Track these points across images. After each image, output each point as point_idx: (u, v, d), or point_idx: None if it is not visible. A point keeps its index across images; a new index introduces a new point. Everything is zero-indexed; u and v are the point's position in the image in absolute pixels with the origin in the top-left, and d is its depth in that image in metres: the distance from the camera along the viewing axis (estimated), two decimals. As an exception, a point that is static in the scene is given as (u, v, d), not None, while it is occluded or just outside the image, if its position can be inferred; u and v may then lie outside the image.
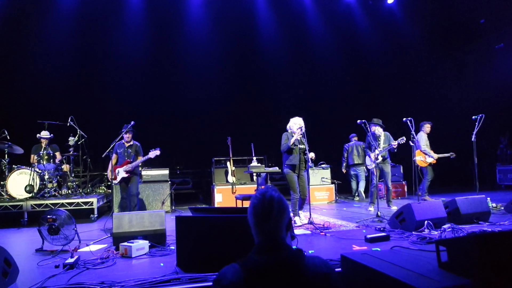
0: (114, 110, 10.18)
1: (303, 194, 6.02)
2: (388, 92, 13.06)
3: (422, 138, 8.51)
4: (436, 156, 8.39)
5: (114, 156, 6.63)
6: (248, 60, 12.23)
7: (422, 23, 12.42)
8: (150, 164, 7.38)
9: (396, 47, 12.78)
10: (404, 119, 6.69)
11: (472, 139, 7.17)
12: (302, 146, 5.90)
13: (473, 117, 7.13)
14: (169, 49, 11.42)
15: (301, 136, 5.98)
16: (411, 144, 6.64)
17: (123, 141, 6.63)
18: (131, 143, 6.68)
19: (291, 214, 5.71)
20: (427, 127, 8.60)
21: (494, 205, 6.83)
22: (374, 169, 7.30)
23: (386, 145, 7.30)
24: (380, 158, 7.18)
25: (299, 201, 6.01)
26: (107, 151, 5.97)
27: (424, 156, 8.46)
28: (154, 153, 6.61)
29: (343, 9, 12.15)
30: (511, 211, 6.25)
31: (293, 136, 6.01)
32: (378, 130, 7.39)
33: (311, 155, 5.95)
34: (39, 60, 10.14)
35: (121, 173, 6.53)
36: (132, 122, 6.41)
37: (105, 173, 9.68)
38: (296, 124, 6.04)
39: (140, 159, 6.58)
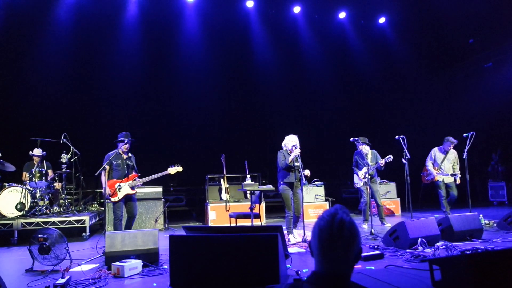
0: (107, 127, 10.15)
1: (297, 211, 6.02)
2: (381, 109, 13.23)
3: (430, 154, 8.15)
4: (435, 173, 7.95)
5: (106, 168, 5.80)
6: (242, 77, 12.36)
7: (413, 42, 12.67)
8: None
9: (387, 66, 13.00)
10: (397, 136, 6.76)
11: (464, 157, 7.26)
12: (297, 164, 5.92)
13: (464, 134, 7.23)
14: (163, 67, 11.50)
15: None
16: (404, 161, 6.69)
17: (118, 151, 5.90)
18: (129, 154, 6.08)
19: (285, 232, 5.69)
20: (448, 146, 7.85)
21: (486, 222, 6.86)
22: (363, 187, 7.34)
23: (374, 163, 7.37)
24: (369, 176, 7.23)
25: (293, 218, 6.00)
26: (101, 168, 5.60)
27: (428, 172, 8.20)
28: (175, 169, 5.98)
29: (335, 28, 12.37)
30: (503, 228, 6.28)
31: (289, 154, 6.04)
32: (365, 149, 7.47)
33: (307, 172, 5.95)
34: (32, 76, 10.14)
35: (126, 188, 5.84)
36: (120, 136, 5.99)
37: (98, 190, 9.57)
38: (291, 142, 6.08)
39: (154, 174, 5.91)
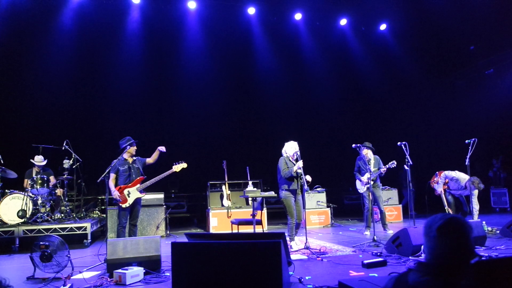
0: (109, 134, 10.15)
1: (299, 218, 5.99)
2: (383, 116, 13.24)
3: (453, 177, 7.67)
4: (439, 191, 7.81)
5: (113, 176, 5.75)
6: (243, 84, 12.39)
7: (414, 49, 12.70)
8: (145, 187, 7.13)
9: (389, 72, 13.02)
10: (399, 143, 6.75)
11: (466, 163, 7.23)
12: (299, 171, 5.90)
13: (466, 141, 7.21)
14: (165, 74, 11.54)
15: (296, 160, 5.99)
16: (406, 168, 6.67)
17: (123, 157, 5.88)
18: (134, 158, 5.99)
19: (287, 239, 5.67)
20: (474, 189, 7.18)
21: (489, 228, 6.82)
22: (366, 193, 7.32)
23: (376, 169, 7.36)
24: (371, 182, 7.21)
25: (295, 225, 5.98)
26: (103, 175, 5.46)
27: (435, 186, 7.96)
28: (180, 166, 5.93)
29: (337, 35, 12.42)
30: (506, 235, 6.25)
31: (290, 161, 6.04)
32: (369, 154, 7.46)
33: (308, 178, 5.93)
34: (34, 83, 10.18)
35: (135, 193, 5.78)
36: (123, 142, 5.92)
37: (100, 197, 9.56)
38: (292, 149, 6.07)
39: (160, 175, 5.83)
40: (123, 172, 5.83)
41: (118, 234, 5.77)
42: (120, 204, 5.69)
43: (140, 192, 5.85)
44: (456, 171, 7.70)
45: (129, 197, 5.76)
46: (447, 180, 7.72)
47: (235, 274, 3.34)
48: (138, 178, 5.88)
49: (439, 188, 7.73)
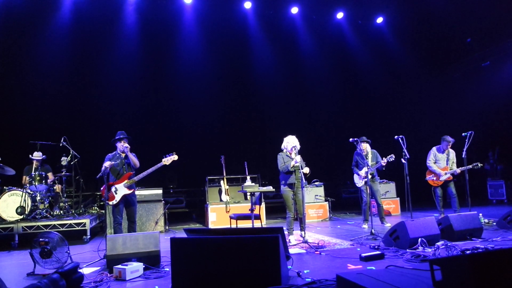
0: (107, 130, 10.11)
1: (300, 212, 5.99)
2: (380, 109, 13.27)
3: (430, 154, 7.80)
4: (443, 173, 7.59)
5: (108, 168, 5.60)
6: (241, 79, 12.37)
7: (411, 42, 12.71)
8: (143, 183, 7.11)
9: (385, 66, 13.03)
10: (396, 136, 6.77)
11: (463, 156, 7.27)
12: (297, 164, 5.91)
13: (463, 134, 7.23)
14: (161, 70, 11.52)
15: (295, 154, 5.99)
16: (403, 161, 6.70)
17: (117, 152, 5.79)
18: (128, 153, 5.80)
19: (286, 233, 5.70)
20: (446, 145, 7.63)
21: (486, 220, 6.88)
22: (364, 187, 7.36)
23: (374, 163, 7.39)
24: (369, 176, 7.24)
25: (298, 219, 6.01)
26: (102, 171, 5.49)
27: (436, 175, 7.71)
28: (170, 159, 5.69)
29: (333, 29, 12.41)
30: (503, 227, 6.30)
31: (288, 156, 6.05)
32: (367, 148, 7.49)
33: (306, 170, 5.92)
34: (31, 80, 10.14)
35: (122, 189, 5.62)
36: (117, 135, 5.88)
37: (98, 193, 9.58)
38: (289, 143, 6.07)
39: (149, 169, 5.59)
40: (116, 166, 5.72)
41: (115, 231, 5.68)
42: (107, 202, 5.56)
43: (128, 188, 5.67)
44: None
45: (116, 194, 5.62)
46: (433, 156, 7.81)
47: (234, 268, 3.37)
48: (125, 174, 5.73)
49: (442, 172, 7.65)
